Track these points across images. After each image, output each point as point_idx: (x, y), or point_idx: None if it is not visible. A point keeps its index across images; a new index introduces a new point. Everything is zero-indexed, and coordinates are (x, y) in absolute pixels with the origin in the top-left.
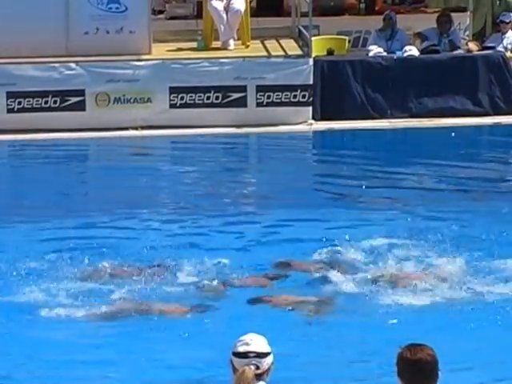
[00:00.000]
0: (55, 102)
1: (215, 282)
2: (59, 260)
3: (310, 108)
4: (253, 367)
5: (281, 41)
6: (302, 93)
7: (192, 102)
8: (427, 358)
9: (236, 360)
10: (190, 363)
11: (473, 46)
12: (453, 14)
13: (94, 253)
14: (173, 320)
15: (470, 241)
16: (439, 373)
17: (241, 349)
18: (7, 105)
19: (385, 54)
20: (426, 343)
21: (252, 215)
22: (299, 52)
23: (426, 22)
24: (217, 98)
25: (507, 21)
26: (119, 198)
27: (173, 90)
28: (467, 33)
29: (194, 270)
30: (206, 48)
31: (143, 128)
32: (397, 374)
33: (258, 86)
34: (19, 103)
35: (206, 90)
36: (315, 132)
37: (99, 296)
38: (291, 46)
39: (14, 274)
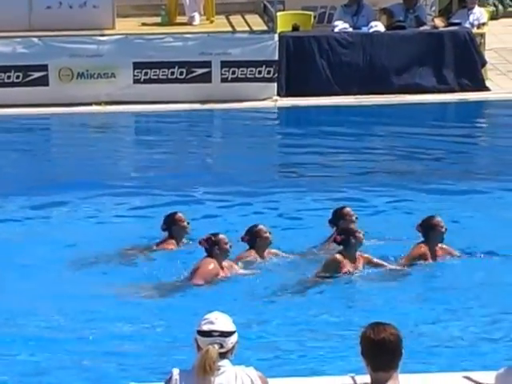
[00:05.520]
0: (18, 77)
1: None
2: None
3: (275, 84)
4: (217, 346)
5: (246, 16)
6: (267, 69)
7: (156, 77)
8: (390, 338)
9: (200, 339)
10: None
11: (439, 22)
12: None
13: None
14: None
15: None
16: (403, 351)
17: (205, 327)
18: None
19: (350, 29)
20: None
21: (214, 192)
22: (264, 27)
23: None
24: (181, 73)
25: None
26: (80, 175)
27: (136, 66)
28: (433, 8)
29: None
30: (170, 23)
31: (107, 103)
32: (360, 353)
33: (222, 62)
34: None
35: (170, 65)
36: (280, 108)
37: None
38: (256, 22)
39: None
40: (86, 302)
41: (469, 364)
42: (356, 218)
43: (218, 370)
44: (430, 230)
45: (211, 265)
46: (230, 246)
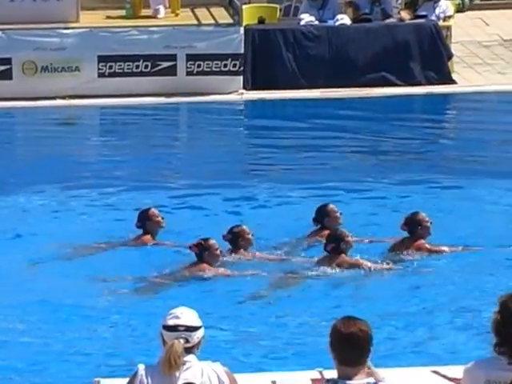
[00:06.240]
0: None
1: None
2: None
3: (241, 77)
4: (182, 341)
5: (211, 9)
6: (233, 62)
7: (121, 70)
8: (359, 333)
9: (166, 333)
10: None
11: (405, 14)
12: None
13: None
14: None
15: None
16: (371, 348)
17: (170, 322)
18: None
19: (316, 22)
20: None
21: (181, 185)
22: (230, 20)
23: None
24: (146, 66)
25: None
26: (45, 169)
27: (101, 59)
28: (399, 1)
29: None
30: (135, 16)
31: (71, 97)
32: (329, 345)
33: (188, 55)
34: None
35: (135, 58)
36: (246, 101)
37: None
38: (222, 15)
39: None
40: (53, 298)
41: (437, 358)
42: (340, 213)
43: (184, 364)
44: (416, 227)
45: (207, 267)
46: (221, 252)
